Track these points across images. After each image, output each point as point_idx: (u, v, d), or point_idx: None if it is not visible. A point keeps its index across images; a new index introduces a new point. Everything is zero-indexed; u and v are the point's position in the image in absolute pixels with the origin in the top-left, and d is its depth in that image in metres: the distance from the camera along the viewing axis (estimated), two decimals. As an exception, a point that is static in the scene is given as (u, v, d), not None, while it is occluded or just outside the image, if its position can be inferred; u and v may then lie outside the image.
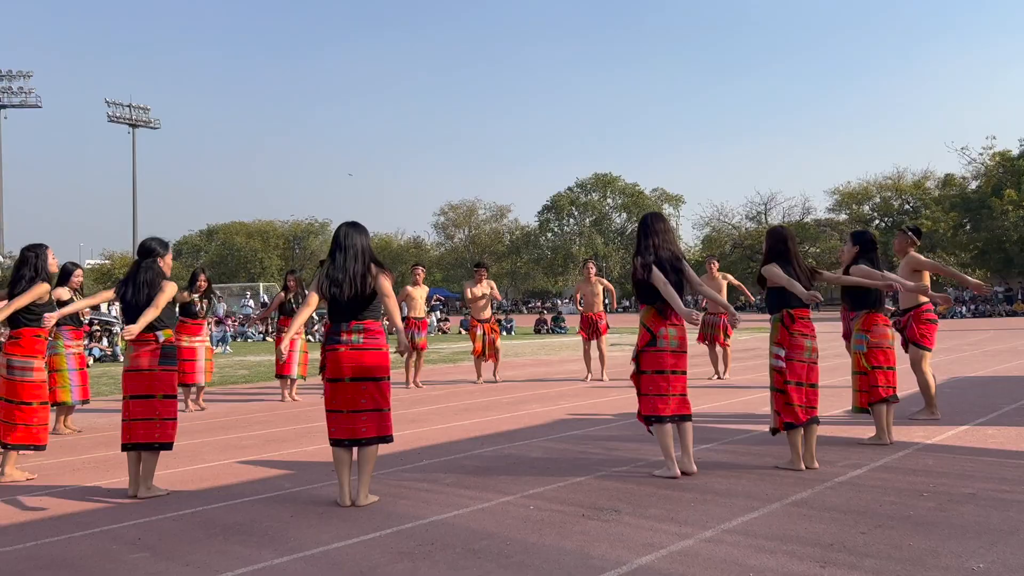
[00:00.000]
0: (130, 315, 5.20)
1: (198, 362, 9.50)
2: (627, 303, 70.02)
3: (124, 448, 5.11)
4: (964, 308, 43.40)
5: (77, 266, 7.99)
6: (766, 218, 67.54)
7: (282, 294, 10.46)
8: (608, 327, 12.44)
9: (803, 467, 5.34)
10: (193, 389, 9.60)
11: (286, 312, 10.24)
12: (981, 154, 56.62)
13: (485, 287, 11.86)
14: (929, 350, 7.28)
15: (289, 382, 10.32)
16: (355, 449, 4.78)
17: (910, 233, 7.44)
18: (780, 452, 5.84)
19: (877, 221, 61.52)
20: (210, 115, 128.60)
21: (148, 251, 5.36)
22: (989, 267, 51.71)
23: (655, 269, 5.16)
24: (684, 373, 5.30)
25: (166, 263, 5.41)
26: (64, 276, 7.72)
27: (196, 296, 9.62)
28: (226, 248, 76.03)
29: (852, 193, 63.22)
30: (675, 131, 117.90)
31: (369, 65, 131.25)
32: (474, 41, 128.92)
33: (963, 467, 5.36)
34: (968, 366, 12.81)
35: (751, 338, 22.59)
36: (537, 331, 31.34)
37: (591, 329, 12.27)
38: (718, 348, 11.76)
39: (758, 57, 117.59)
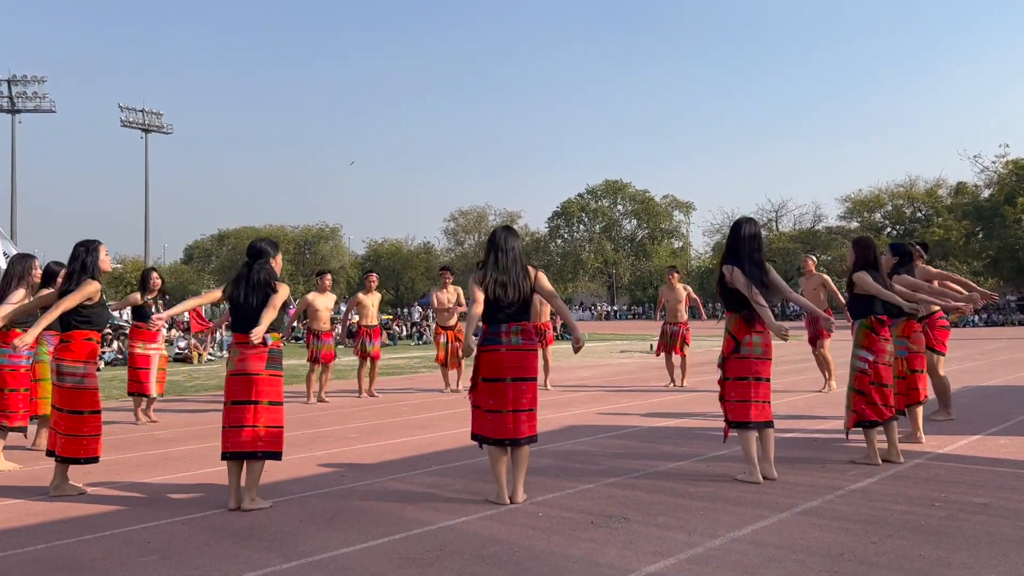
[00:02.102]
0: (241, 317, 4.95)
1: (152, 371, 8.80)
2: (640, 309, 69.94)
3: (224, 457, 4.85)
4: (976, 317, 43.11)
5: (62, 266, 7.20)
6: (777, 225, 67.33)
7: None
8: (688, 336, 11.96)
9: (880, 462, 5.67)
10: (144, 401, 8.96)
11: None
12: (994, 162, 56.21)
13: (452, 293, 11.54)
14: (943, 355, 7.58)
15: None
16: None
17: (918, 247, 7.63)
18: (790, 460, 5.82)
19: (889, 229, 61.23)
20: (222, 120, 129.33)
21: (259, 252, 5.11)
22: (1002, 276, 51.36)
23: (742, 276, 5.22)
24: (768, 380, 5.39)
25: (277, 264, 5.18)
26: (48, 277, 6.82)
27: (150, 298, 9.03)
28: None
29: (864, 201, 62.92)
30: (686, 138, 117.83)
31: (380, 72, 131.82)
32: (484, 48, 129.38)
33: (975, 477, 5.33)
34: (981, 375, 12.72)
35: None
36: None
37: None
38: (676, 357, 11.96)
39: (769, 64, 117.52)
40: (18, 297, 6.27)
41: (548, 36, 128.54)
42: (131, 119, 62.05)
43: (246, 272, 5.06)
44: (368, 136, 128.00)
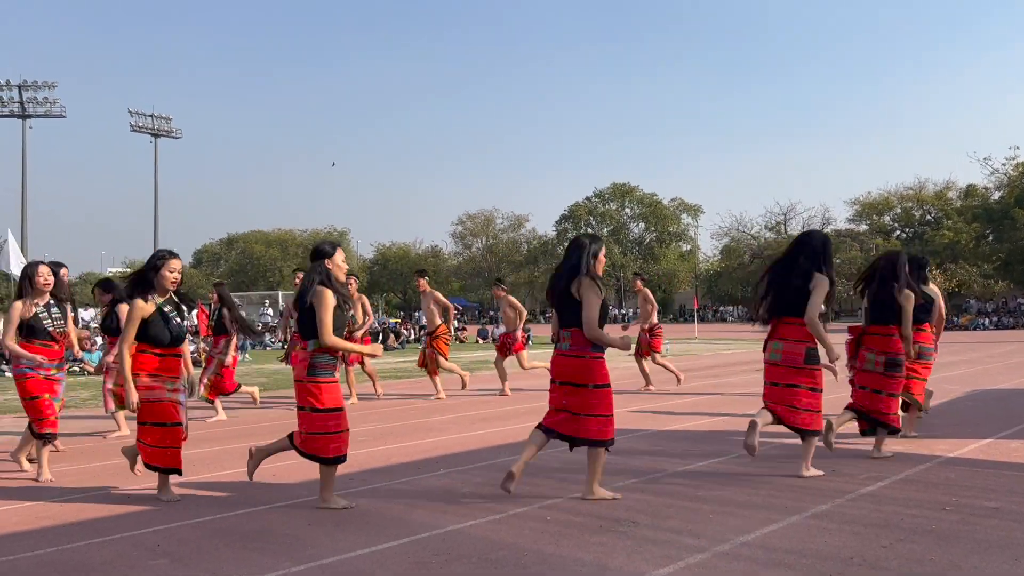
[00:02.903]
0: (305, 323, 4.88)
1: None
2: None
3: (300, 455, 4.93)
4: (987, 320, 42.90)
5: (61, 265, 6.80)
6: (785, 228, 67.19)
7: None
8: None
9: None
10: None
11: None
12: (1004, 164, 56.03)
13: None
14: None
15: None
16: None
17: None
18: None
19: (898, 232, 61.05)
20: (230, 124, 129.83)
21: (318, 253, 5.01)
22: (1012, 278, 51.14)
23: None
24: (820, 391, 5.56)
25: (335, 264, 5.01)
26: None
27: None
28: (246, 257, 76.58)
29: (873, 203, 62.75)
30: (694, 141, 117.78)
31: (387, 75, 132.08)
32: (490, 50, 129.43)
33: (986, 481, 5.30)
34: (991, 378, 12.65)
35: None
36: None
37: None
38: (645, 361, 12.16)
39: (777, 67, 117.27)
40: (16, 311, 6.09)
41: (555, 38, 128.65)
42: (140, 123, 62.28)
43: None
44: (376, 139, 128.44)
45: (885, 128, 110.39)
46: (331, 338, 4.74)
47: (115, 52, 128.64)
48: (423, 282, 11.41)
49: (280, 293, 46.10)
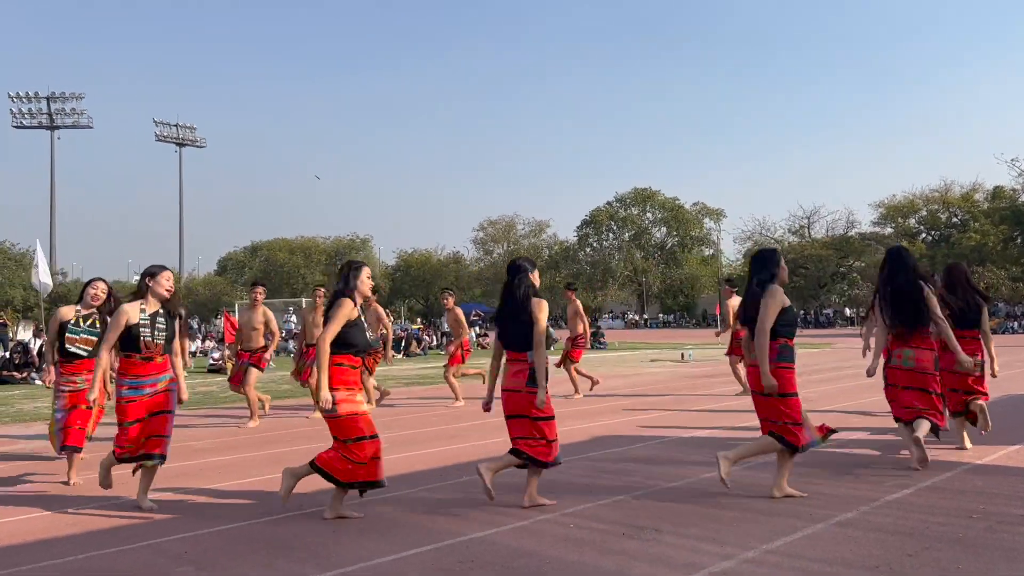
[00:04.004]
0: (507, 332, 5.13)
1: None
2: (669, 318, 69.48)
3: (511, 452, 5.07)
4: (1016, 324, 42.25)
5: (98, 280, 6.60)
6: (809, 232, 66.64)
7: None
8: None
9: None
10: None
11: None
12: (1032, 165, 55.19)
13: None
14: None
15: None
16: None
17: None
18: (823, 471, 5.76)
19: (924, 235, 60.30)
20: (254, 133, 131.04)
21: (517, 268, 5.20)
22: (1041, 281, 50.31)
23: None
24: (926, 391, 5.94)
25: (534, 278, 5.22)
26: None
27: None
28: (269, 264, 77.15)
29: (898, 206, 62.01)
30: (716, 145, 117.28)
31: (409, 83, 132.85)
32: (513, 58, 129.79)
33: (1014, 488, 5.22)
34: (1020, 383, 12.46)
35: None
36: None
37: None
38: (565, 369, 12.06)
39: (800, 70, 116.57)
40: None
41: (576, 45, 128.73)
42: (165, 133, 63.19)
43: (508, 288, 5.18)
44: (398, 147, 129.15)
45: (910, 130, 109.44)
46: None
47: (140, 63, 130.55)
48: (451, 300, 11.66)
49: (304, 300, 46.39)
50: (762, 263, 5.25)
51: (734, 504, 4.94)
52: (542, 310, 5.03)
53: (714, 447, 7.17)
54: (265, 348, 9.85)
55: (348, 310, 4.85)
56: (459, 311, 11.68)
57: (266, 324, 9.84)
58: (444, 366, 11.67)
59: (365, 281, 5.05)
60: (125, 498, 5.57)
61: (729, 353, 12.16)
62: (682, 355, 21.25)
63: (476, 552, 4.07)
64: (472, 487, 5.67)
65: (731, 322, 12.06)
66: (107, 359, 5.50)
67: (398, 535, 4.44)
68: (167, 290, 5.52)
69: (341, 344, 4.85)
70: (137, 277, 6.08)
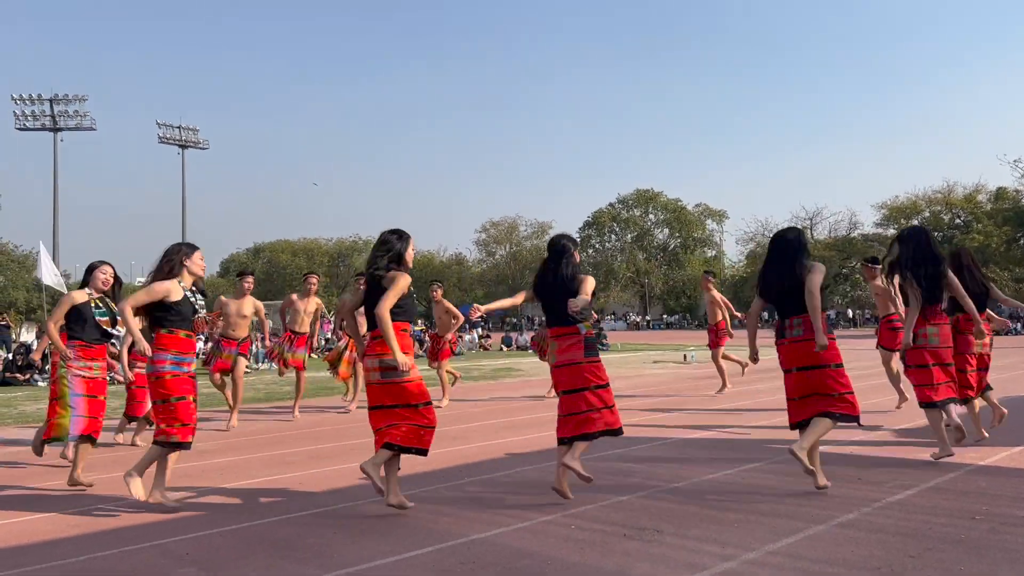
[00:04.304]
0: (555, 310, 5.26)
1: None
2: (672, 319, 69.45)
3: (560, 442, 5.17)
4: (1020, 324, 42.17)
5: (104, 263, 6.49)
6: (812, 233, 66.54)
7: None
8: None
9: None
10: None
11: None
12: (1035, 166, 55.10)
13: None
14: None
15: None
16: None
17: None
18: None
19: (927, 236, 60.16)
20: (256, 135, 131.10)
21: (562, 248, 5.39)
22: (1044, 282, 50.25)
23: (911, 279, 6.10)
24: (949, 365, 6.12)
25: (577, 256, 5.46)
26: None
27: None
28: (272, 266, 77.35)
29: (900, 207, 61.97)
30: (716, 145, 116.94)
31: (410, 85, 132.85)
32: (513, 58, 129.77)
33: (1018, 489, 5.21)
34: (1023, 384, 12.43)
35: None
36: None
37: None
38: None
39: (802, 72, 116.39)
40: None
41: (577, 46, 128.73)
42: (168, 135, 63.23)
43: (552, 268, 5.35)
44: (399, 149, 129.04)
45: (911, 131, 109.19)
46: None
47: (143, 65, 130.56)
48: (439, 292, 11.57)
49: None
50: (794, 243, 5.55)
51: (736, 505, 4.95)
52: (590, 284, 5.19)
53: (715, 448, 7.18)
54: (248, 339, 9.90)
55: (406, 283, 5.10)
56: (447, 302, 11.62)
57: (256, 314, 9.84)
58: (437, 363, 11.46)
59: (410, 253, 5.38)
60: (128, 499, 5.58)
61: (713, 347, 12.18)
62: (684, 356, 21.25)
63: (478, 553, 4.07)
64: (472, 487, 5.68)
65: (722, 314, 12.08)
66: (143, 340, 5.30)
67: (400, 536, 4.45)
68: (202, 268, 5.65)
69: (396, 312, 5.02)
70: (141, 279, 6.12)
